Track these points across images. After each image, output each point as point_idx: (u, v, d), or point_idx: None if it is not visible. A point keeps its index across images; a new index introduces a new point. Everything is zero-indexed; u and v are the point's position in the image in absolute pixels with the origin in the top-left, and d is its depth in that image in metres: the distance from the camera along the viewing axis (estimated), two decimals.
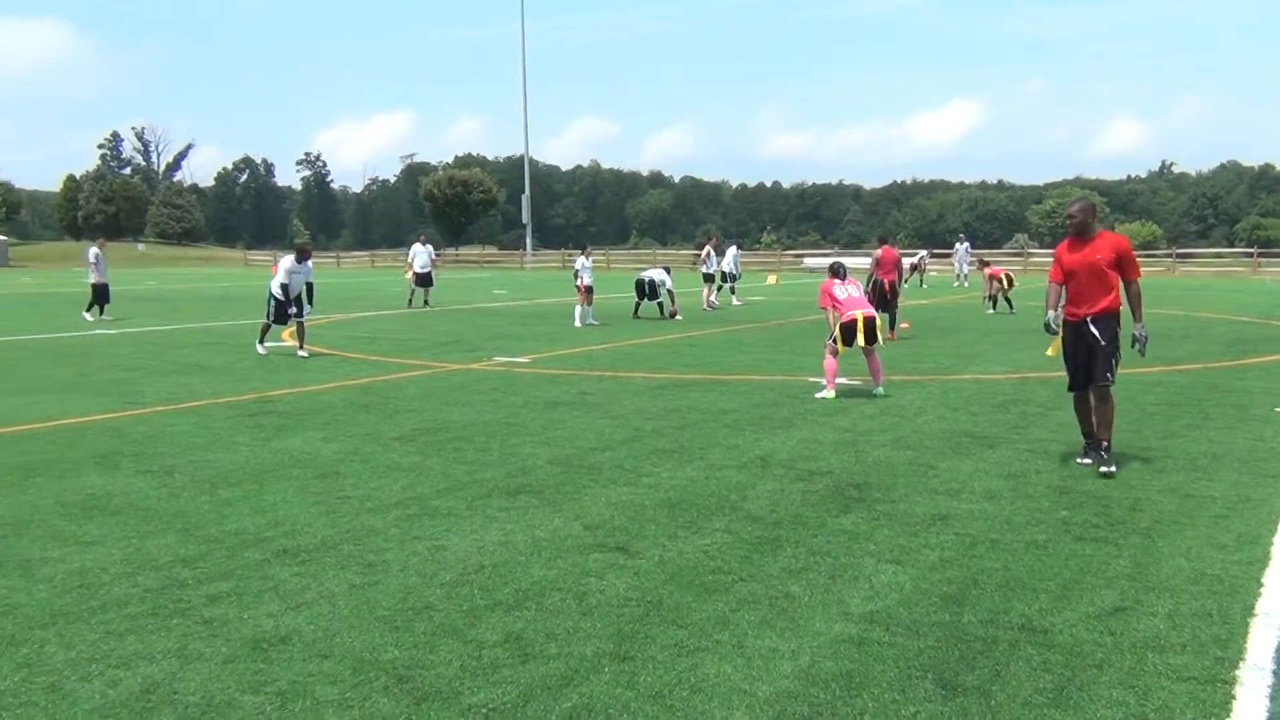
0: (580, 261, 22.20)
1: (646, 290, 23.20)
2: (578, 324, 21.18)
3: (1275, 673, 4.19)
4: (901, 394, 11.47)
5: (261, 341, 16.33)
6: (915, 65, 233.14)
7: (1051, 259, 8.33)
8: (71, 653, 4.39)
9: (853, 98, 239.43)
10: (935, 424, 9.68)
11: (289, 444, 8.84)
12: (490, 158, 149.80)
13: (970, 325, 21.48)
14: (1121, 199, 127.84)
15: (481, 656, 4.33)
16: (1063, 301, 7.90)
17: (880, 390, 11.35)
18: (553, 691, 4.00)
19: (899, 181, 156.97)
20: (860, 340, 11.12)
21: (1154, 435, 9.05)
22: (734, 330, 20.66)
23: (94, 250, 24.61)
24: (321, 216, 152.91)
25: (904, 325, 19.84)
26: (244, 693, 4.00)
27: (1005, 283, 24.97)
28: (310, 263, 16.62)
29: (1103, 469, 7.57)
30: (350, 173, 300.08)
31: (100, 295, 23.98)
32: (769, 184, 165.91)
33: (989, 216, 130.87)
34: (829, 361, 11.29)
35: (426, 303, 27.60)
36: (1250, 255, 61.33)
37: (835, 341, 11.21)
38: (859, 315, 11.16)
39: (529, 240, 78.46)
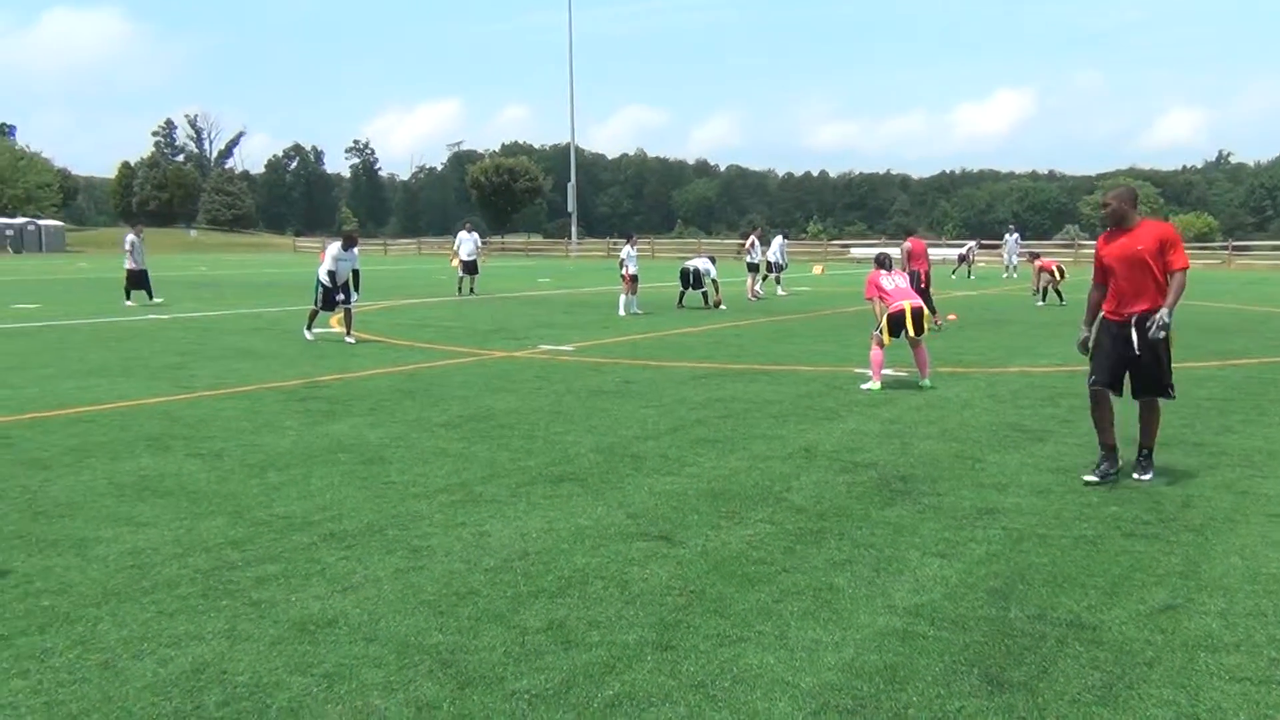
0: (626, 250, 22.24)
1: (691, 280, 23.15)
2: (622, 313, 21.21)
3: None
4: (948, 386, 11.36)
5: (309, 327, 16.53)
6: (962, 55, 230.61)
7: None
8: (124, 631, 4.47)
9: (900, 87, 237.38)
10: (982, 417, 9.57)
11: (336, 429, 8.93)
12: (536, 146, 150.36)
13: (1018, 317, 21.21)
14: (1176, 190, 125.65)
15: (525, 643, 4.35)
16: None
17: (926, 382, 11.25)
18: (595, 679, 4.01)
19: (947, 171, 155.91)
20: (909, 331, 11.04)
21: (1207, 431, 8.88)
22: (779, 320, 20.56)
23: (131, 237, 24.39)
24: (369, 204, 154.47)
25: (951, 317, 19.64)
26: (291, 674, 4.05)
27: (1057, 275, 24.77)
28: (356, 250, 16.76)
29: (1136, 475, 7.11)
30: (398, 160, 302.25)
31: (137, 281, 23.96)
32: (815, 173, 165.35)
33: (1039, 207, 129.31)
34: (875, 352, 11.20)
35: (472, 290, 27.79)
36: None
37: (882, 333, 11.13)
38: (906, 306, 11.06)
39: (574, 229, 78.56)
